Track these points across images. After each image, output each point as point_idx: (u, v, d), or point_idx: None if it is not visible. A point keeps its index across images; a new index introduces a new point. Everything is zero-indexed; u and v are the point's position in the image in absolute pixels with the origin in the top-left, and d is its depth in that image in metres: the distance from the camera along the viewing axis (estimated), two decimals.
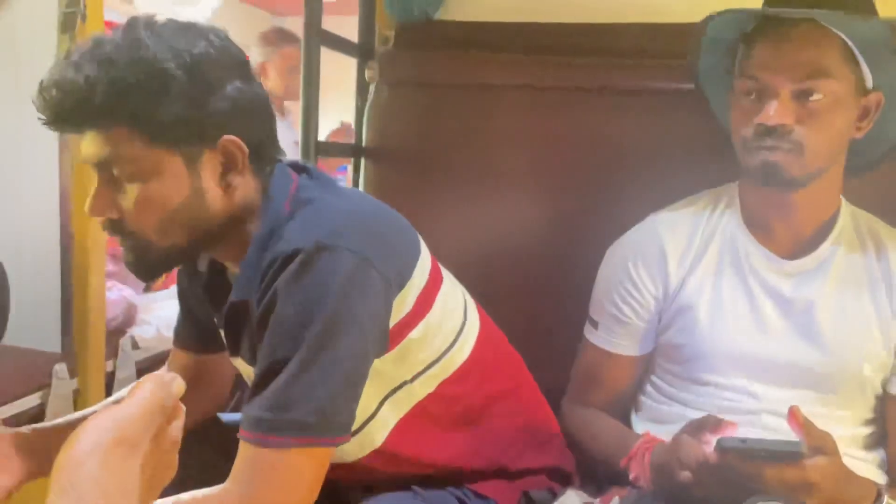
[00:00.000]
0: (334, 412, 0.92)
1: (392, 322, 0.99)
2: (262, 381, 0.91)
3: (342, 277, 0.91)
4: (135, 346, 1.79)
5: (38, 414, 1.42)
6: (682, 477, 0.99)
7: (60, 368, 1.45)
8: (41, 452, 1.02)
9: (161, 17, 0.96)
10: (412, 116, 1.60)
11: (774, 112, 1.09)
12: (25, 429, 1.06)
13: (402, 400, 1.05)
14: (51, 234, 1.51)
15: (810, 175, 1.13)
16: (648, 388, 1.29)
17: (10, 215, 1.52)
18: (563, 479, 1.20)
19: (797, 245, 1.20)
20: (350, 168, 1.85)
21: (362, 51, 1.68)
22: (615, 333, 1.28)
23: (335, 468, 0.97)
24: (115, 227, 0.97)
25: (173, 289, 2.37)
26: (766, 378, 1.17)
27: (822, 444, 0.95)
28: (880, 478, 1.15)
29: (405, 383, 1.04)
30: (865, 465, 1.14)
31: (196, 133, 0.94)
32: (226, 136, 0.95)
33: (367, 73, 1.66)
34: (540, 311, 1.50)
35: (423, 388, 1.06)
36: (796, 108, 1.10)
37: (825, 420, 1.03)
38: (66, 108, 0.90)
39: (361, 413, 0.99)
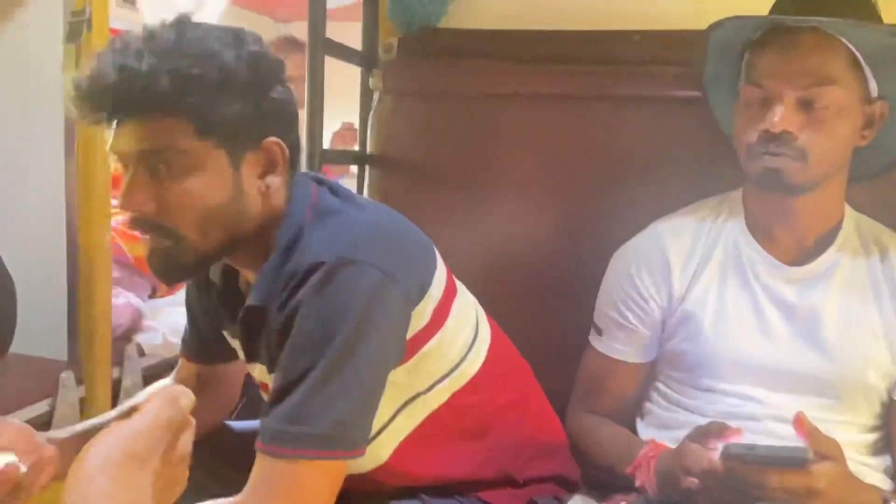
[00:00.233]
0: (352, 426, 0.92)
1: (409, 334, 0.99)
2: (281, 393, 0.91)
3: (364, 293, 0.91)
4: (141, 352, 1.80)
5: (45, 422, 1.42)
6: (687, 484, 1.00)
7: (67, 376, 1.46)
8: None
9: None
10: (416, 125, 1.60)
11: (779, 119, 1.10)
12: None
13: (416, 410, 1.05)
14: (57, 243, 1.52)
15: (813, 182, 1.13)
16: (653, 394, 1.29)
17: (17, 224, 1.53)
18: (569, 487, 1.20)
19: (801, 252, 1.20)
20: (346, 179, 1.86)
21: (366, 59, 1.68)
22: (619, 340, 1.28)
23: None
24: (146, 223, 0.95)
25: (179, 294, 2.38)
26: (771, 384, 1.17)
27: (829, 451, 0.95)
28: (886, 484, 1.15)
29: (420, 394, 1.04)
30: (871, 471, 1.14)
31: (247, 131, 0.94)
32: (270, 138, 0.96)
33: (370, 82, 1.66)
34: (543, 318, 1.50)
35: (437, 399, 1.06)
36: (801, 115, 1.10)
37: (830, 426, 1.03)
38: (125, 94, 0.89)
39: (375, 424, 0.98)
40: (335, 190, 1.05)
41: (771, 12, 1.20)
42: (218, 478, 0.94)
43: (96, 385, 1.51)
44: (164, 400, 0.58)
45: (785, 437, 1.05)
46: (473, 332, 1.10)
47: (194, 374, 1.21)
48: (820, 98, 1.10)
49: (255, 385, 1.15)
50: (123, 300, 1.87)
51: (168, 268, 0.98)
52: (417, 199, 1.58)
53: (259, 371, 1.07)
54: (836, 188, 1.19)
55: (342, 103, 1.89)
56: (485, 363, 1.10)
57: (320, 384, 0.89)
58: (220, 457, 1.06)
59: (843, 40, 1.10)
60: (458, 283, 1.11)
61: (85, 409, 1.49)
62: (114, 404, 1.56)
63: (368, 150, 1.66)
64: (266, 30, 4.00)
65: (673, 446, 1.08)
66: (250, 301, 0.99)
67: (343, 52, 1.63)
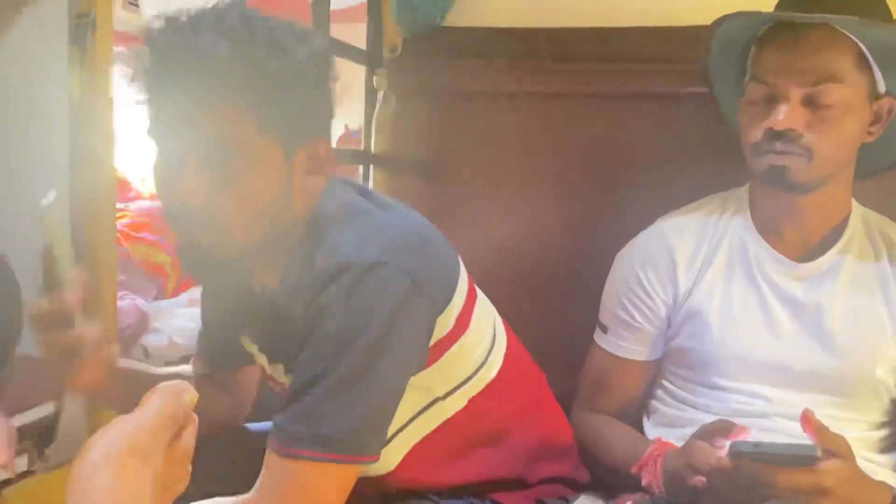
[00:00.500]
0: (367, 432, 0.91)
1: (432, 341, 0.97)
2: (298, 393, 0.90)
3: (393, 300, 0.89)
4: (146, 354, 1.80)
5: (51, 423, 1.42)
6: (694, 482, 0.99)
7: None
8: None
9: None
10: (420, 124, 1.60)
11: (784, 117, 1.09)
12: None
13: (433, 416, 1.04)
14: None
15: (819, 180, 1.13)
16: (660, 392, 1.28)
17: (22, 226, 1.53)
18: (577, 489, 1.19)
19: (808, 248, 1.19)
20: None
21: (370, 59, 1.68)
22: (625, 338, 1.27)
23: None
24: (186, 213, 0.89)
25: (183, 297, 2.39)
26: (778, 382, 1.16)
27: (837, 448, 0.94)
28: (895, 481, 1.14)
29: (438, 399, 1.03)
30: (880, 468, 1.13)
31: (303, 129, 0.92)
32: (319, 136, 0.94)
33: (375, 81, 1.66)
34: (549, 317, 1.50)
35: (454, 405, 1.05)
36: (806, 113, 1.10)
37: (839, 424, 1.03)
38: (195, 77, 0.85)
39: (390, 428, 0.98)
40: (363, 191, 1.03)
41: (776, 8, 1.20)
42: (218, 477, 0.93)
43: None
44: (167, 395, 0.58)
45: (793, 434, 1.04)
46: (492, 337, 1.09)
47: (208, 379, 1.19)
48: (826, 95, 1.09)
49: (268, 387, 1.14)
50: (129, 302, 1.88)
51: (202, 263, 0.93)
52: (422, 198, 1.57)
53: (277, 371, 1.06)
54: (843, 184, 1.19)
55: (347, 108, 1.89)
56: (501, 368, 1.09)
57: (338, 388, 0.88)
58: (222, 456, 1.05)
59: (850, 36, 1.10)
60: (478, 290, 1.10)
61: (90, 410, 1.49)
62: None
63: (373, 149, 1.66)
64: None
65: (680, 445, 1.07)
66: (273, 299, 0.98)
67: (347, 52, 1.63)
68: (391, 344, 0.90)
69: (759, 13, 1.15)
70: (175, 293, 2.27)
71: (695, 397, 1.21)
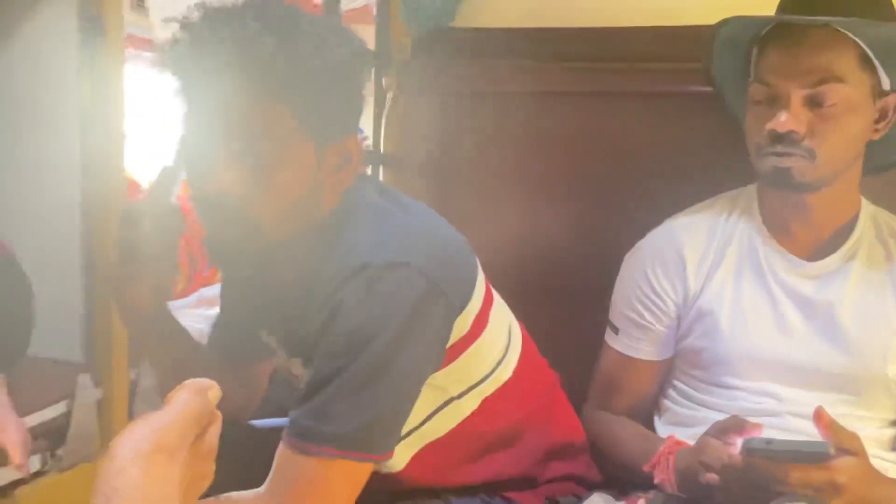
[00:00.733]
0: (380, 430, 0.91)
1: (450, 343, 0.98)
2: (313, 389, 0.90)
3: (410, 300, 0.90)
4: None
5: (62, 424, 1.43)
6: (707, 479, 0.99)
7: (84, 378, 1.46)
8: None
9: None
10: (430, 125, 1.60)
11: (785, 118, 1.09)
12: None
13: (448, 416, 1.04)
14: (73, 246, 1.53)
15: (824, 180, 1.13)
16: (671, 391, 1.28)
17: (33, 227, 1.54)
18: (590, 488, 1.20)
19: (817, 247, 1.20)
20: None
21: (379, 60, 1.69)
22: (636, 339, 1.28)
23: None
24: (217, 204, 0.89)
25: (193, 297, 2.39)
26: (789, 381, 1.16)
27: (850, 445, 0.95)
28: None
29: (452, 399, 1.04)
30: (892, 466, 1.13)
31: (336, 127, 0.92)
32: (349, 134, 0.95)
33: (384, 82, 1.66)
34: (559, 316, 1.49)
35: (469, 405, 1.05)
36: (808, 114, 1.09)
37: (850, 422, 1.03)
38: (238, 72, 0.85)
39: (406, 427, 0.98)
40: (384, 190, 1.04)
41: (778, 10, 1.19)
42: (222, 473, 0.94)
43: (113, 387, 1.52)
44: (193, 392, 0.59)
45: (806, 433, 1.04)
46: (507, 338, 1.09)
47: (220, 371, 1.19)
48: (828, 96, 1.09)
49: (277, 382, 1.15)
50: None
51: (230, 255, 0.94)
52: (432, 199, 1.56)
53: (296, 365, 1.07)
54: (850, 182, 1.19)
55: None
56: (516, 369, 1.09)
57: (352, 386, 0.89)
58: (234, 454, 1.05)
59: (852, 36, 1.09)
60: (494, 292, 1.10)
61: (103, 411, 1.50)
62: (131, 406, 1.57)
63: (382, 150, 1.66)
64: None
65: (692, 444, 1.07)
66: (290, 294, 0.99)
67: None
68: (407, 344, 0.90)
69: (759, 17, 1.15)
70: (185, 293, 2.28)
71: (706, 396, 1.21)
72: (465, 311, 0.98)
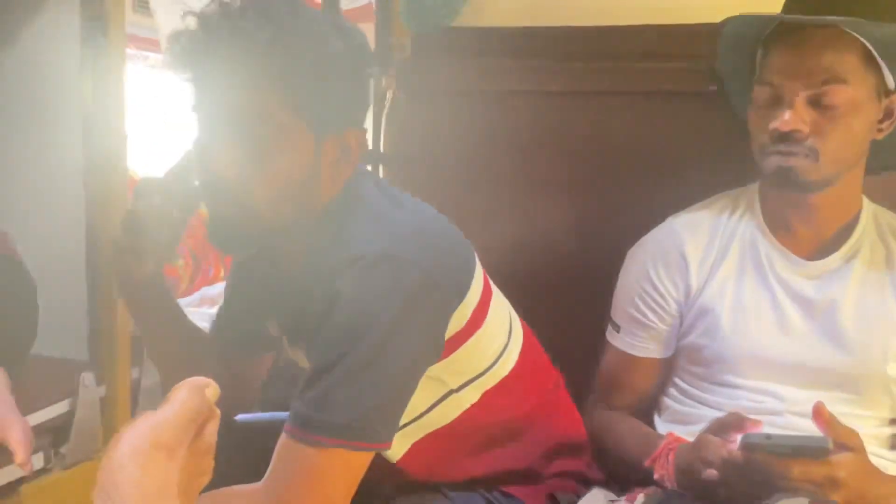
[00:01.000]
0: (377, 419, 0.92)
1: (448, 335, 0.99)
2: (313, 379, 0.92)
3: (403, 290, 0.91)
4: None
5: (65, 422, 1.44)
6: (707, 475, 1.00)
7: (87, 377, 1.47)
8: None
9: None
10: (430, 124, 1.61)
11: (789, 118, 1.09)
12: None
13: (448, 409, 1.05)
14: (77, 244, 1.53)
15: (827, 179, 1.13)
16: (671, 389, 1.29)
17: (37, 226, 1.55)
18: (591, 486, 1.20)
19: (819, 246, 1.20)
20: None
21: (379, 60, 1.69)
22: (637, 336, 1.28)
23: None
24: (217, 186, 0.94)
25: (196, 296, 2.40)
26: (790, 379, 1.16)
27: (848, 440, 0.95)
28: None
29: (452, 391, 1.05)
30: (891, 464, 1.13)
31: (336, 118, 0.95)
32: (350, 128, 0.98)
33: (384, 82, 1.67)
34: (561, 314, 1.50)
35: (469, 398, 1.06)
36: (812, 114, 1.10)
37: (849, 420, 1.02)
38: (236, 61, 0.89)
39: (405, 418, 0.99)
40: (382, 185, 1.06)
41: (783, 10, 1.19)
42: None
43: (116, 385, 1.52)
44: (191, 390, 0.59)
45: (804, 430, 1.05)
46: (507, 334, 1.10)
47: (221, 363, 1.20)
48: (832, 96, 1.09)
49: (278, 379, 1.16)
50: None
51: (229, 236, 0.97)
52: (432, 198, 1.57)
53: (299, 355, 1.09)
54: (853, 182, 1.19)
55: None
56: (516, 365, 1.10)
57: (350, 375, 0.90)
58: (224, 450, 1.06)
59: (857, 36, 1.09)
60: (493, 286, 1.11)
61: (105, 409, 1.50)
62: (133, 404, 1.57)
63: (382, 149, 1.67)
64: None
65: (692, 441, 1.08)
66: (292, 284, 1.01)
67: None
68: (403, 333, 0.92)
69: (763, 16, 1.15)
70: (189, 292, 2.29)
71: (707, 395, 1.22)
72: (462, 304, 0.99)
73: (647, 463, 1.10)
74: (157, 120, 2.48)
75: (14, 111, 1.56)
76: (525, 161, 1.56)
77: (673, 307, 1.25)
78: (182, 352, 1.14)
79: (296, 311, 1.03)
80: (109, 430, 1.48)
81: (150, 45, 2.47)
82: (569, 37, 1.56)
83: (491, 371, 1.06)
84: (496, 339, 1.07)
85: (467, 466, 1.10)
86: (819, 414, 0.95)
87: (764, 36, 1.17)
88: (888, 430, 1.17)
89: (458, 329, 1.00)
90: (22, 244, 1.43)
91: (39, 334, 1.41)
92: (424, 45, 1.63)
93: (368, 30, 1.72)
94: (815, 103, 1.10)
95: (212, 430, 0.62)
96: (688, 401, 1.25)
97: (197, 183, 0.96)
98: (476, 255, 1.07)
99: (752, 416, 1.05)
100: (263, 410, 1.27)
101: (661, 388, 1.31)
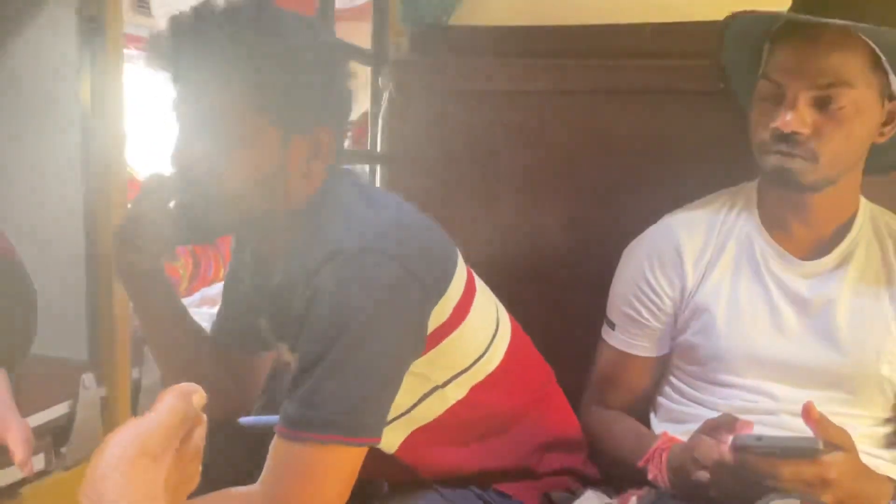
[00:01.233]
0: (366, 412, 0.93)
1: (430, 329, 1.00)
2: (299, 378, 0.93)
3: (383, 284, 0.93)
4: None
5: (66, 423, 1.44)
6: (699, 476, 1.00)
7: (88, 377, 1.48)
8: None
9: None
10: (427, 123, 1.61)
11: (791, 118, 1.08)
12: None
13: (434, 404, 1.06)
14: (76, 245, 1.54)
15: (826, 180, 1.12)
16: (666, 388, 1.29)
17: (36, 227, 1.55)
18: (586, 483, 1.20)
19: (815, 245, 1.19)
20: None
21: (376, 58, 1.69)
22: (632, 335, 1.28)
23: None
24: (185, 180, 0.98)
25: (196, 296, 2.40)
26: (785, 379, 1.16)
27: (839, 440, 0.95)
28: None
29: (437, 387, 1.06)
30: (884, 463, 1.13)
31: (302, 116, 0.98)
32: (321, 126, 0.99)
33: (380, 81, 1.67)
34: (557, 313, 1.50)
35: (454, 393, 1.07)
36: (815, 115, 1.08)
37: (843, 419, 1.03)
38: (197, 57, 0.94)
39: (393, 413, 1.00)
40: (361, 185, 1.07)
41: (790, 8, 1.17)
42: (219, 470, 0.96)
43: (117, 385, 1.53)
44: (177, 397, 0.60)
45: (799, 430, 1.04)
46: (493, 330, 1.10)
47: (222, 363, 1.22)
48: (836, 99, 1.07)
49: (275, 379, 1.17)
50: None
51: (192, 225, 1.01)
52: (428, 197, 1.57)
53: (285, 351, 1.10)
54: (852, 182, 1.18)
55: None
56: (503, 361, 1.10)
57: (334, 370, 0.91)
58: (222, 450, 1.07)
59: (865, 39, 1.08)
60: (479, 282, 1.12)
61: (106, 409, 1.51)
62: (134, 404, 1.58)
63: (379, 148, 1.67)
64: None
65: (686, 440, 1.08)
66: (275, 281, 1.02)
67: (353, 52, 1.64)
68: (382, 325, 0.93)
69: (769, 13, 1.14)
70: (188, 293, 2.30)
71: (701, 394, 1.22)
72: (443, 299, 1.00)
73: (640, 464, 1.10)
74: (157, 119, 2.49)
75: (13, 111, 1.56)
76: (522, 159, 1.56)
77: (668, 305, 1.25)
78: (183, 348, 1.16)
79: (280, 311, 1.05)
80: (110, 430, 1.47)
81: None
82: (566, 35, 1.56)
83: (476, 366, 1.07)
84: (480, 335, 1.08)
85: (457, 456, 1.10)
86: (809, 413, 0.95)
87: (771, 32, 1.15)
88: (882, 430, 1.17)
89: (440, 323, 1.01)
90: (21, 244, 1.43)
91: (39, 335, 1.42)
92: (421, 44, 1.63)
93: (365, 29, 1.72)
94: (819, 105, 1.08)
95: (199, 436, 0.63)
96: (683, 400, 1.25)
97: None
98: (458, 251, 1.08)
99: (746, 416, 1.05)
100: (266, 412, 1.28)
101: (657, 386, 1.31)
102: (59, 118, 1.54)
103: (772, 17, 1.14)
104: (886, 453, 1.15)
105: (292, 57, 0.94)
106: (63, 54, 1.50)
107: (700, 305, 1.22)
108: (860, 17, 1.07)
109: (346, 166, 1.13)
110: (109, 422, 1.50)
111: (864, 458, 1.00)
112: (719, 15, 1.21)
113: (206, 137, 0.96)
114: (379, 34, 1.71)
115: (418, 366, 1.01)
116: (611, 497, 1.15)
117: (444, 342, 1.02)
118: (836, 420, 0.97)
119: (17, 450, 1.08)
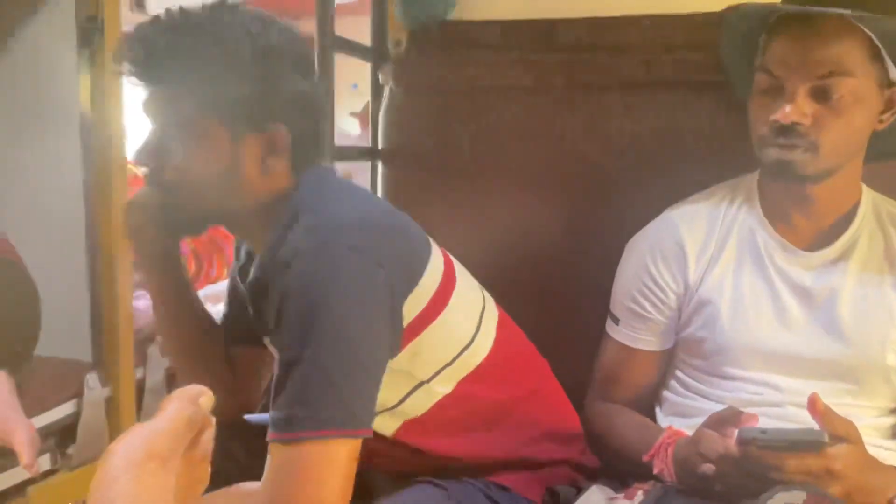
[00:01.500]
0: (354, 404, 0.93)
1: (406, 321, 1.00)
2: (281, 379, 0.94)
3: (345, 274, 0.94)
4: (163, 352, 1.82)
5: (71, 423, 1.45)
6: (704, 470, 1.00)
7: (92, 377, 1.48)
8: None
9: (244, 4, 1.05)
10: (427, 119, 1.60)
11: (790, 110, 1.08)
12: None
13: (420, 399, 1.06)
14: (78, 246, 1.54)
15: (826, 171, 1.12)
16: (671, 382, 1.29)
17: (38, 228, 1.55)
18: (587, 474, 1.20)
19: (818, 236, 1.19)
20: None
21: (376, 54, 1.69)
22: (637, 329, 1.28)
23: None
24: (154, 178, 1.04)
25: (200, 294, 2.40)
26: (789, 370, 1.16)
27: (844, 432, 0.95)
28: None
29: (423, 382, 1.06)
30: (890, 454, 1.13)
31: (250, 114, 1.00)
32: (273, 125, 1.01)
33: (380, 77, 1.67)
34: (557, 309, 1.50)
35: (441, 387, 1.07)
36: (814, 106, 1.08)
37: (849, 410, 1.03)
38: (142, 63, 0.99)
39: (381, 408, 1.01)
40: (331, 182, 1.08)
41: (783, 1, 1.17)
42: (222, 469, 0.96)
43: (121, 385, 1.53)
44: (184, 400, 0.59)
45: (805, 422, 1.04)
46: (475, 322, 1.10)
47: (229, 357, 1.23)
48: (835, 89, 1.07)
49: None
50: (145, 302, 1.89)
51: (170, 220, 1.08)
52: (429, 193, 1.58)
53: (270, 346, 1.11)
54: (853, 172, 1.18)
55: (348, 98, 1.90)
56: (490, 354, 1.10)
57: (314, 366, 0.91)
58: (226, 449, 1.07)
59: (862, 27, 1.07)
60: (461, 272, 1.12)
61: (111, 409, 1.51)
62: (138, 404, 1.58)
63: (380, 145, 1.67)
64: None
65: (691, 434, 1.08)
66: (251, 278, 1.05)
67: (353, 48, 1.64)
68: (352, 314, 0.93)
69: (766, 5, 1.14)
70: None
71: (706, 387, 1.22)
72: (417, 288, 1.01)
73: (646, 458, 1.10)
74: None
75: (11, 111, 1.56)
76: (522, 154, 1.55)
77: (672, 299, 1.25)
78: (194, 335, 1.19)
79: (260, 312, 1.06)
80: (115, 430, 1.49)
81: None
82: (565, 29, 1.55)
83: (460, 359, 1.07)
84: (461, 328, 1.08)
85: (453, 447, 1.10)
86: (814, 405, 0.95)
87: (769, 24, 1.15)
88: (888, 420, 1.17)
89: (416, 314, 1.01)
90: (22, 245, 1.43)
91: (43, 336, 1.42)
92: (420, 40, 1.63)
93: (364, 24, 1.72)
94: (818, 95, 1.08)
95: (207, 439, 0.62)
96: (688, 393, 1.25)
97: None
98: (433, 242, 1.09)
99: (752, 408, 1.05)
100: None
101: (662, 381, 1.31)
102: (58, 118, 1.53)
103: (769, 10, 1.14)
104: (892, 444, 1.15)
105: (231, 60, 0.98)
106: (62, 54, 1.50)
107: (703, 299, 1.22)
108: (856, 5, 1.06)
109: (328, 164, 1.16)
110: (114, 422, 1.51)
111: (870, 450, 1.00)
112: (717, 7, 1.21)
113: (163, 139, 1.02)
114: (378, 30, 1.70)
115: (401, 362, 1.01)
116: (616, 491, 1.15)
117: (423, 333, 1.02)
118: (841, 411, 0.97)
119: (23, 451, 1.08)
